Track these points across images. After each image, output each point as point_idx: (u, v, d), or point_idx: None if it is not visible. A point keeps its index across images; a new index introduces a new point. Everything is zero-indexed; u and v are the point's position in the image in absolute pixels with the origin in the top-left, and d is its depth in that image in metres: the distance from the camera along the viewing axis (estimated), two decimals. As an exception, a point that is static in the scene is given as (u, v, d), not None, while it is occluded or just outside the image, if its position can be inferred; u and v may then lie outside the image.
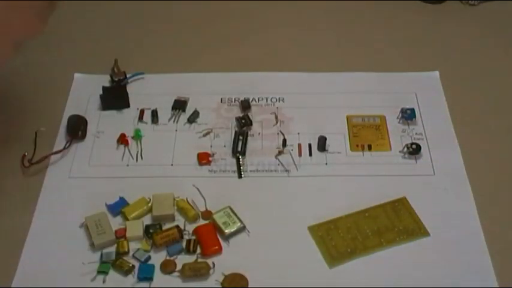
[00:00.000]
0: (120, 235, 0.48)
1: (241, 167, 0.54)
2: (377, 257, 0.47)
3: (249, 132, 0.57)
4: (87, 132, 0.58)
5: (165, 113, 0.59)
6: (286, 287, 0.46)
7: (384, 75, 0.63)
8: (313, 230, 0.49)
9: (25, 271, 0.47)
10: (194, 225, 0.49)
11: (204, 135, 0.57)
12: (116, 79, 0.62)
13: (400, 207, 0.50)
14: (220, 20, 0.71)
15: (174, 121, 0.59)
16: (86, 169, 0.55)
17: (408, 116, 0.58)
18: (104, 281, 0.46)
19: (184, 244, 0.48)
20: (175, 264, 0.47)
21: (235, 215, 0.50)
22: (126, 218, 0.50)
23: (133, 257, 0.47)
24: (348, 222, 0.49)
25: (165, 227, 0.49)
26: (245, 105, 0.60)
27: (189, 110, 0.59)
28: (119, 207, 0.51)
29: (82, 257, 0.47)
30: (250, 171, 0.54)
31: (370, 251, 0.47)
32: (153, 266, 0.47)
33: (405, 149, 0.55)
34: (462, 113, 0.59)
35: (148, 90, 0.62)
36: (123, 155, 0.56)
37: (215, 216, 0.49)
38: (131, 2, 0.73)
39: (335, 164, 0.55)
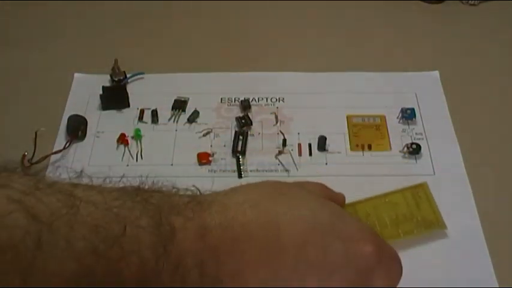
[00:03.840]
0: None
1: (241, 167, 0.54)
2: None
3: (249, 132, 0.57)
4: (87, 132, 0.58)
5: (165, 113, 0.59)
6: None
7: (383, 75, 0.63)
8: None
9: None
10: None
11: (204, 135, 0.57)
12: (116, 79, 0.62)
13: (421, 195, 0.49)
14: (221, 20, 0.71)
15: (174, 121, 0.59)
16: (86, 169, 0.54)
17: (408, 116, 0.58)
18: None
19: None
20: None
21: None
22: (126, 218, 0.50)
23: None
24: (367, 206, 0.48)
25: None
26: (245, 105, 0.59)
27: (189, 110, 0.59)
28: (118, 207, 0.50)
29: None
30: (250, 171, 0.54)
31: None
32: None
33: (405, 148, 0.55)
34: (462, 113, 0.59)
35: (148, 90, 0.62)
36: (123, 155, 0.56)
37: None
38: (131, 2, 0.73)
39: (335, 163, 0.55)
